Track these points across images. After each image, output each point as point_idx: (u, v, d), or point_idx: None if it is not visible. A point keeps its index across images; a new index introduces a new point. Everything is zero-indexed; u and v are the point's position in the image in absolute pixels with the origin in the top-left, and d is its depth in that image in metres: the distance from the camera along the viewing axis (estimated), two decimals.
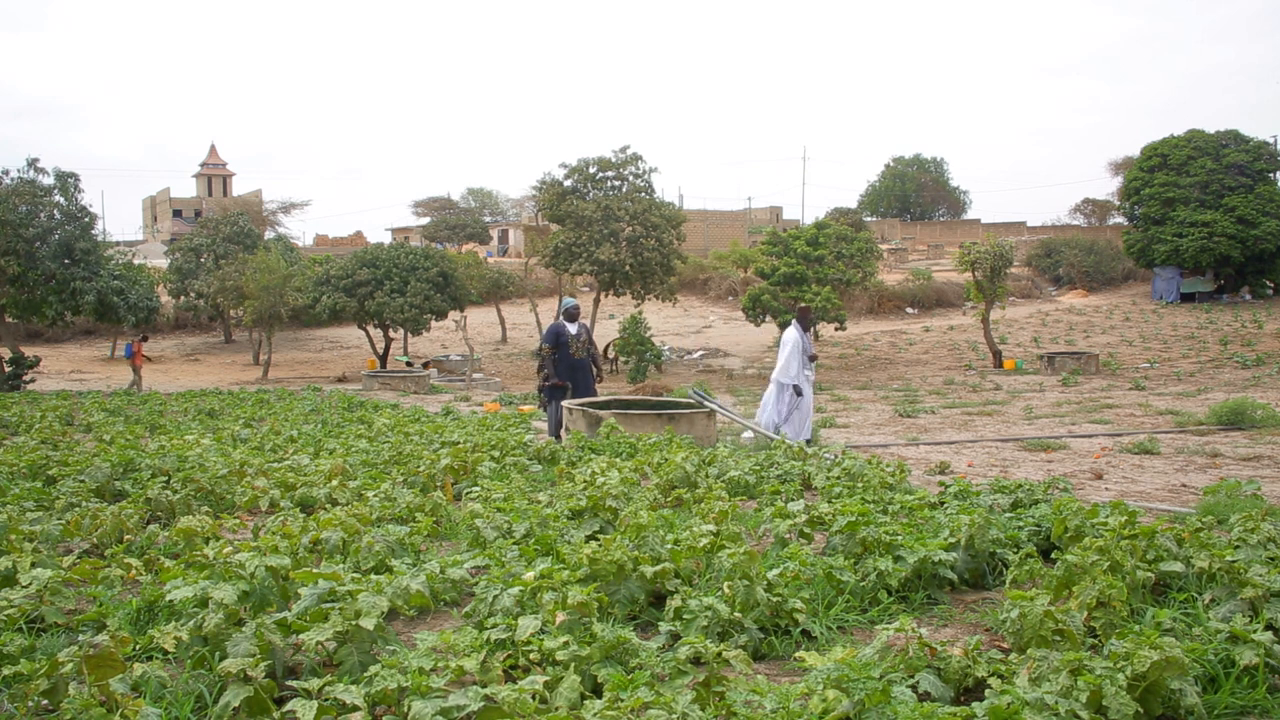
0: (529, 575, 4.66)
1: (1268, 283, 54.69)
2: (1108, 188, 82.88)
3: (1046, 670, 3.46)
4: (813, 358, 13.50)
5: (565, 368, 13.27)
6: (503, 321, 47.32)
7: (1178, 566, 4.90)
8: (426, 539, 6.34)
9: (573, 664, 3.73)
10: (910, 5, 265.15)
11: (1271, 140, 55.41)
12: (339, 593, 4.25)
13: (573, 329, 13.41)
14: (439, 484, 8.22)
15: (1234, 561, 4.65)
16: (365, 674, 3.54)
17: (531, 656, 3.88)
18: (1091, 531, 5.35)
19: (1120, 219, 67.66)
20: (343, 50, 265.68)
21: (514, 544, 5.66)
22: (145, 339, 33.43)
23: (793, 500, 6.89)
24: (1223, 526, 5.99)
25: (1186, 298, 54.38)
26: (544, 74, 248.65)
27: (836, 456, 9.31)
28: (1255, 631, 3.78)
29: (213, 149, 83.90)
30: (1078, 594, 4.26)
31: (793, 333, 13.35)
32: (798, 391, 13.03)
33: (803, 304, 15.02)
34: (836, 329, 37.33)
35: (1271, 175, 54.46)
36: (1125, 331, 44.39)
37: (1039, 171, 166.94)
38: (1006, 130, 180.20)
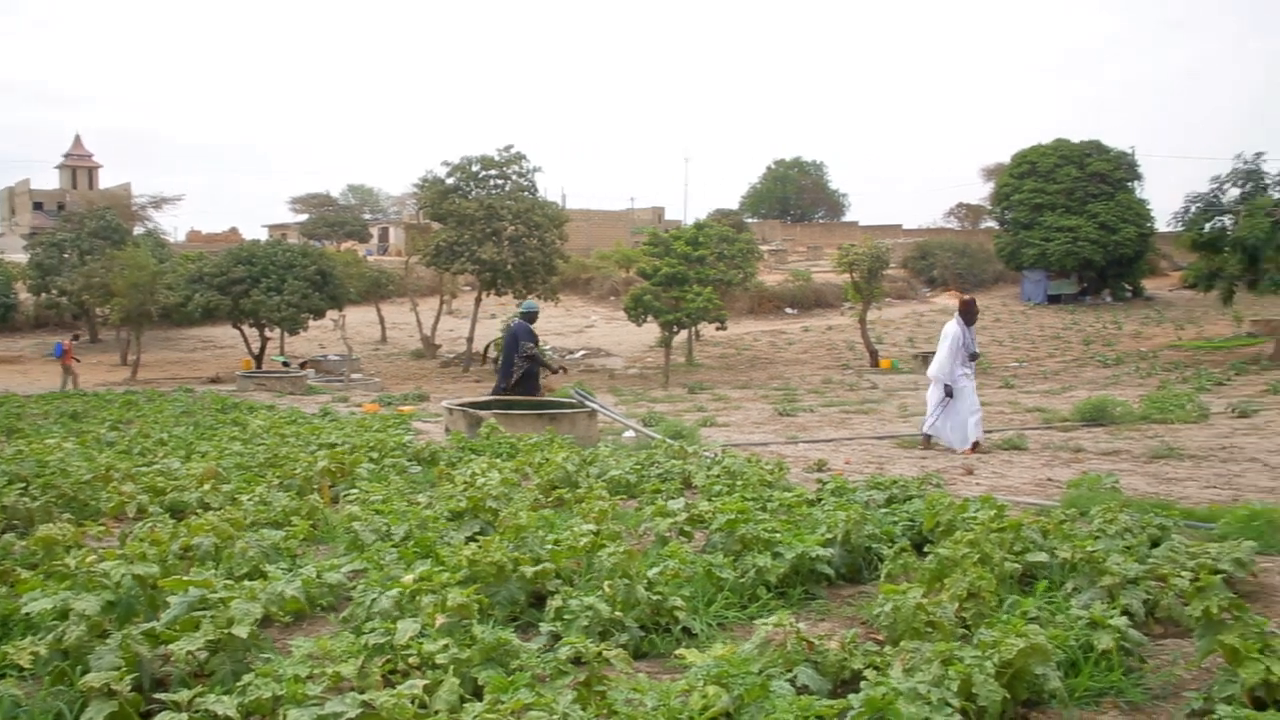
0: (408, 578, 4.59)
1: (1127, 285, 57.20)
2: (980, 193, 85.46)
3: (919, 661, 3.54)
4: (974, 355, 12.48)
5: (536, 370, 13.86)
6: (382, 321, 46.60)
7: (1043, 557, 5.07)
8: (303, 543, 6.21)
9: (452, 667, 3.68)
10: (792, 10, 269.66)
11: (1130, 151, 57.98)
12: (211, 600, 4.12)
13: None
14: (316, 487, 8.06)
15: (1094, 551, 4.82)
16: (238, 683, 3.45)
17: (411, 660, 3.82)
18: (962, 525, 5.49)
19: (992, 223, 69.82)
20: (218, 39, 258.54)
21: (393, 546, 5.57)
22: (77, 338, 32.16)
23: (673, 499, 6.91)
24: (1084, 518, 6.21)
25: (1053, 299, 56.46)
26: (427, 71, 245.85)
27: (716, 455, 9.40)
28: (1112, 617, 3.93)
29: (77, 139, 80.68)
30: (949, 586, 4.38)
31: (953, 327, 12.31)
32: (948, 392, 12.06)
33: (967, 295, 13.85)
34: (717, 329, 37.70)
35: (1130, 184, 56.94)
36: (996, 332, 45.83)
37: (916, 176, 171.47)
38: (885, 135, 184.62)
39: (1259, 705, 3.36)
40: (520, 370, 13.55)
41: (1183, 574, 4.59)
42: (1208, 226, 32.64)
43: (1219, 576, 4.43)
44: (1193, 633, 4.04)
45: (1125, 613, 4.24)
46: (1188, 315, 47.85)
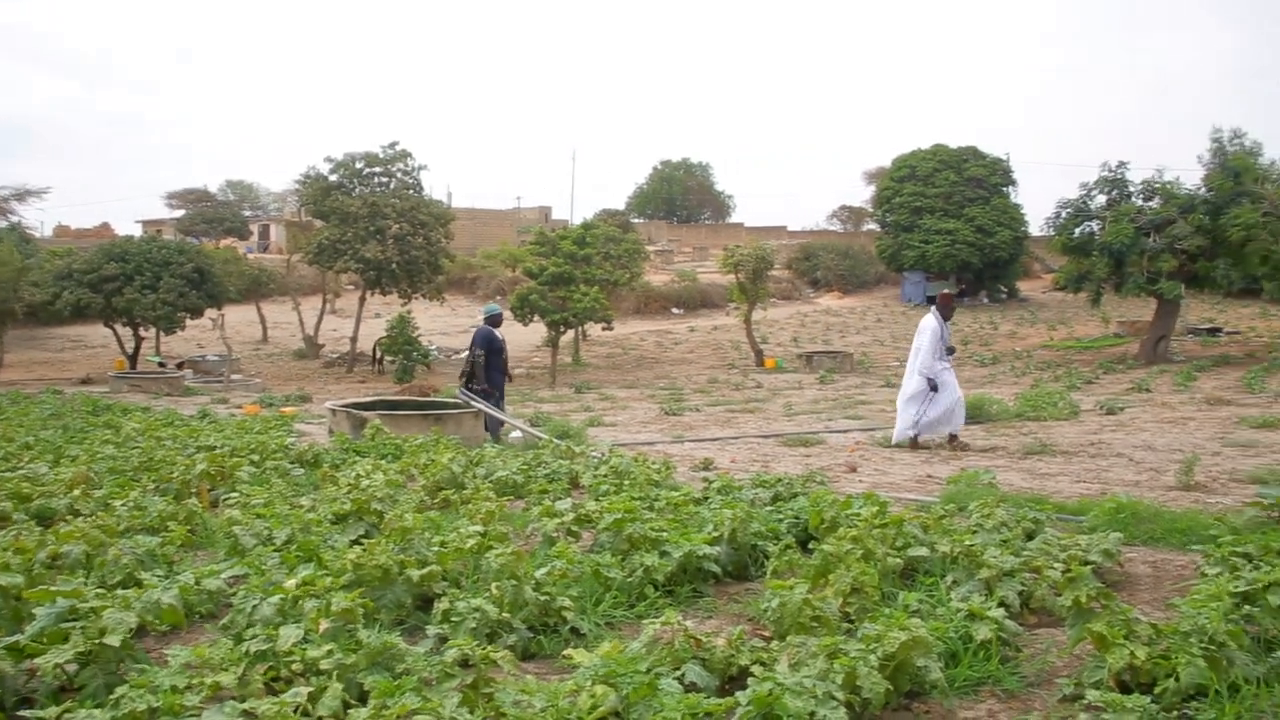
0: (290, 583, 4.49)
1: (1002, 288, 59.07)
2: (862, 196, 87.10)
3: (805, 656, 3.59)
4: (950, 349, 12.49)
5: (499, 373, 13.81)
6: (263, 320, 45.52)
7: (924, 552, 5.20)
8: (180, 549, 6.02)
9: (337, 672, 3.61)
10: (678, 12, 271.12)
11: (1005, 157, 59.87)
12: (81, 610, 3.97)
13: (499, 334, 13.97)
14: (194, 491, 7.84)
15: (972, 545, 4.96)
16: (111, 697, 3.32)
17: (294, 667, 3.73)
18: (846, 522, 5.59)
19: (873, 225, 71.34)
20: (86, 24, 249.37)
21: (275, 551, 5.44)
22: None
23: (560, 499, 6.92)
24: (963, 513, 6.39)
25: (932, 300, 57.82)
26: (309, 64, 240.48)
27: (603, 455, 9.41)
28: (990, 609, 4.06)
29: None
30: (833, 581, 4.46)
31: (931, 320, 12.32)
32: (932, 386, 12.03)
33: (946, 290, 13.54)
34: (604, 329, 37.76)
35: (1005, 189, 58.82)
36: (877, 332, 46.86)
37: (800, 178, 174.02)
38: (770, 137, 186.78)
39: (1124, 689, 3.50)
40: (478, 370, 13.67)
41: (1055, 565, 4.77)
42: (1077, 231, 33.90)
43: (1088, 567, 4.61)
44: (1065, 621, 4.20)
45: (1002, 604, 4.37)
46: (1059, 316, 49.60)
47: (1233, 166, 30.76)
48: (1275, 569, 4.35)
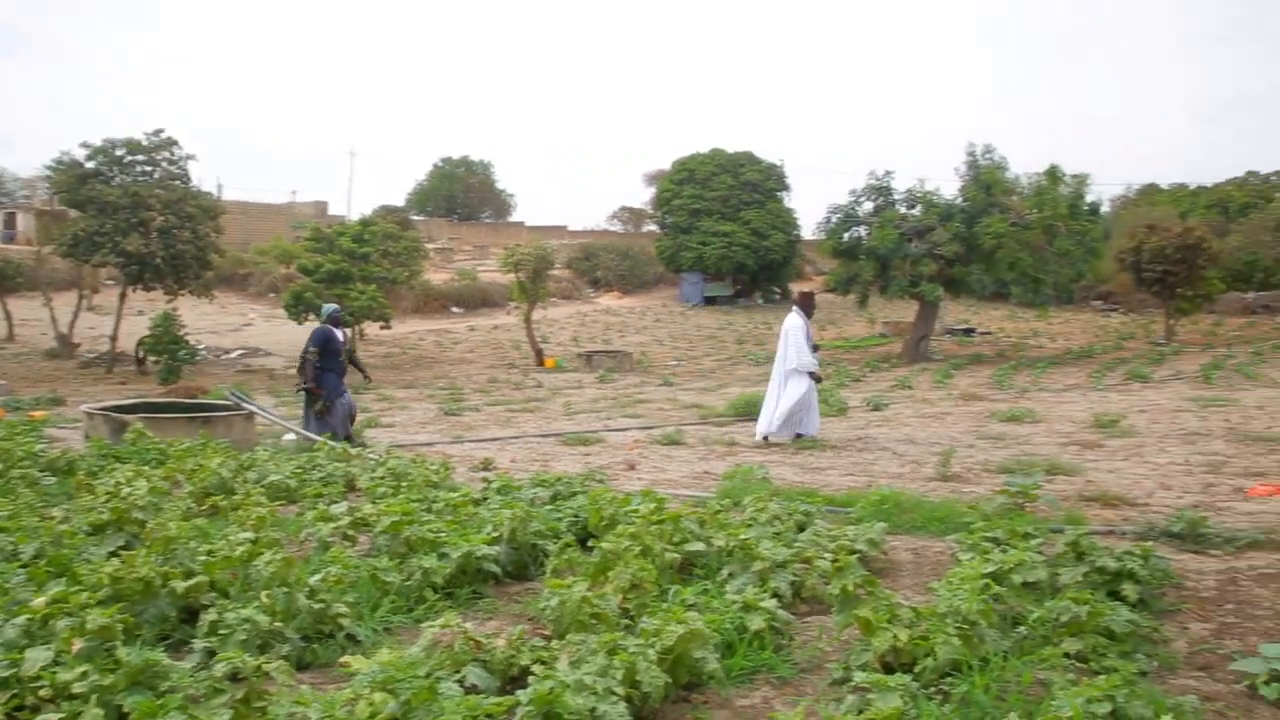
0: (39, 601, 4.19)
1: (776, 289, 61.27)
2: (643, 197, 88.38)
3: (585, 653, 3.62)
4: (815, 347, 12.58)
5: (337, 374, 12.87)
6: (9, 317, 42.38)
7: (701, 547, 5.33)
8: None
9: (94, 696, 3.38)
10: (459, 7, 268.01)
11: (780, 163, 62.08)
12: None
13: (339, 334, 13.25)
14: None
15: (746, 539, 5.12)
16: None
17: (43, 693, 3.47)
18: (625, 519, 5.66)
19: (653, 227, 72.58)
20: None
21: (21, 567, 5.06)
22: None
23: (336, 503, 6.76)
24: (738, 508, 6.57)
25: (710, 301, 59.47)
26: (63, 39, 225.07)
27: (381, 456, 9.23)
28: (763, 600, 4.21)
29: None
30: (613, 579, 4.51)
31: (795, 319, 12.38)
32: (816, 378, 12.23)
33: (804, 289, 13.66)
34: (381, 328, 37.00)
35: (779, 194, 60.96)
36: (656, 331, 47.70)
37: (581, 179, 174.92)
38: (551, 137, 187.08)
39: (889, 669, 3.69)
40: (306, 368, 12.88)
41: (825, 556, 4.97)
42: (846, 236, 35.57)
43: (855, 556, 4.84)
44: (833, 609, 4.38)
45: (775, 595, 4.53)
46: (829, 317, 51.71)
47: (985, 180, 32.95)
48: (1019, 551, 4.68)
